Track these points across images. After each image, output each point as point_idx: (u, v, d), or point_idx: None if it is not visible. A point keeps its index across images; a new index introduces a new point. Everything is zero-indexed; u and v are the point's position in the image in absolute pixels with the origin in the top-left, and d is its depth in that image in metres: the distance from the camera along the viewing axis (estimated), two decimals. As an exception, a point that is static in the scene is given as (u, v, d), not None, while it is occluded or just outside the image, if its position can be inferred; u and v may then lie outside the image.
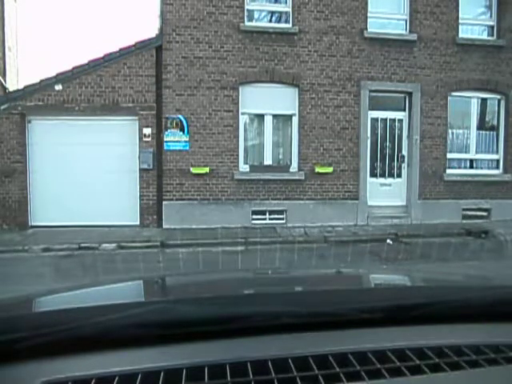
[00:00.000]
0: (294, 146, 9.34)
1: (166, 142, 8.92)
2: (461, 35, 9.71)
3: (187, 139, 8.95)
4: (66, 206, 8.65)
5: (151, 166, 8.89)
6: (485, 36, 10.07)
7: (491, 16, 10.04)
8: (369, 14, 9.40)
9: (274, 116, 9.32)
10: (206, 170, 8.95)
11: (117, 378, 0.73)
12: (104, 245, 7.45)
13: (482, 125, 10.14)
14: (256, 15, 9.39)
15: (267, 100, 9.10)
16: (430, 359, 0.80)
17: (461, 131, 10.06)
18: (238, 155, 9.11)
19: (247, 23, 9.10)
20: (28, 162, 8.84)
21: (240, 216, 8.97)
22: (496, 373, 0.78)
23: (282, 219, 9.26)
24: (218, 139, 8.99)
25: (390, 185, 9.71)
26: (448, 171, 9.78)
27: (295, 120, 9.30)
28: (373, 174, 9.63)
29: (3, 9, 10.79)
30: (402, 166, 9.73)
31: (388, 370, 0.76)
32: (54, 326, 0.81)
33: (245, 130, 9.33)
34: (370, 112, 9.46)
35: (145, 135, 8.86)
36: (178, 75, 8.89)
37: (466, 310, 0.96)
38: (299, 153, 9.29)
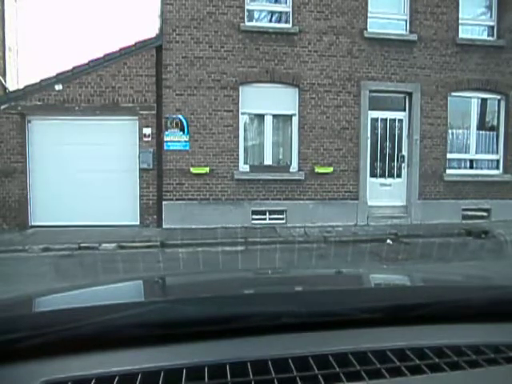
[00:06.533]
0: (294, 146, 9.34)
1: (166, 141, 8.92)
2: (461, 35, 9.71)
3: (187, 139, 8.95)
4: (66, 206, 8.65)
5: (151, 166, 8.89)
6: (485, 36, 10.07)
7: (491, 16, 10.04)
8: (369, 14, 9.40)
9: (274, 116, 9.32)
10: (206, 169, 8.95)
11: (117, 378, 0.73)
12: (104, 245, 7.45)
13: (481, 125, 10.14)
14: (256, 15, 9.39)
15: (267, 100, 9.10)
16: (430, 359, 0.80)
17: (461, 131, 10.06)
18: (238, 155, 9.11)
19: (247, 23, 9.10)
20: (28, 161, 8.84)
21: (240, 216, 8.97)
22: (496, 373, 0.78)
23: (282, 219, 9.26)
24: (218, 139, 8.99)
25: (389, 185, 9.71)
26: (448, 171, 9.78)
27: (295, 120, 9.30)
28: (373, 174, 9.63)
29: (3, 9, 10.78)
30: (402, 166, 9.73)
31: (388, 370, 0.76)
32: (54, 325, 0.81)
33: (245, 130, 9.33)
34: (370, 112, 9.46)
35: (145, 135, 8.86)
36: (178, 75, 8.89)
37: (466, 310, 0.96)
38: (299, 153, 9.29)
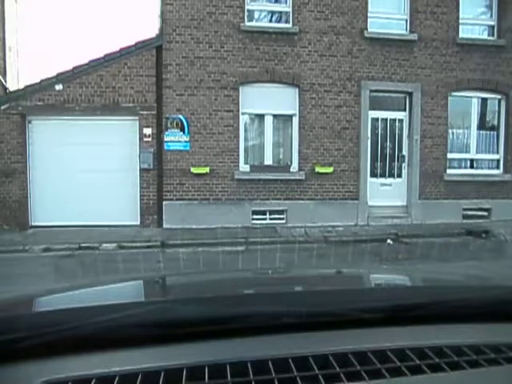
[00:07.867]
0: (295, 145, 9.34)
1: (167, 142, 8.92)
2: (461, 35, 9.70)
3: (187, 139, 8.95)
4: (66, 205, 8.65)
5: (151, 166, 8.89)
6: (485, 36, 10.07)
7: (491, 16, 10.04)
8: (369, 14, 9.39)
9: (275, 116, 9.32)
10: (207, 169, 8.95)
11: (117, 378, 0.73)
12: (104, 245, 7.45)
13: (482, 125, 10.14)
14: (256, 15, 9.39)
15: (267, 100, 9.10)
16: (430, 359, 0.80)
17: (461, 131, 10.06)
18: (238, 155, 9.11)
19: (247, 23, 9.09)
20: (28, 161, 8.84)
21: (240, 216, 8.97)
22: (496, 373, 0.78)
23: (283, 219, 9.26)
24: (218, 139, 9.00)
25: (390, 185, 9.70)
26: (448, 171, 9.78)
27: (295, 120, 9.30)
28: (373, 174, 9.63)
29: (3, 9, 10.77)
30: (403, 165, 9.73)
31: (388, 370, 0.76)
32: (53, 325, 0.81)
33: (245, 130, 9.33)
34: (370, 112, 9.45)
35: (145, 135, 8.87)
36: (179, 75, 8.90)
37: (466, 310, 0.96)
38: (299, 153, 9.29)
